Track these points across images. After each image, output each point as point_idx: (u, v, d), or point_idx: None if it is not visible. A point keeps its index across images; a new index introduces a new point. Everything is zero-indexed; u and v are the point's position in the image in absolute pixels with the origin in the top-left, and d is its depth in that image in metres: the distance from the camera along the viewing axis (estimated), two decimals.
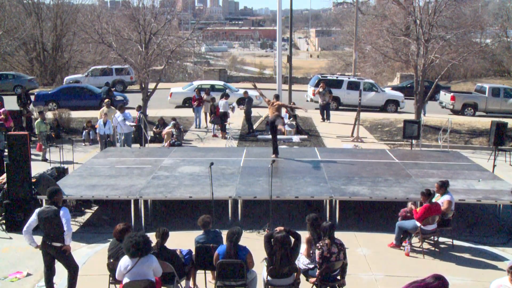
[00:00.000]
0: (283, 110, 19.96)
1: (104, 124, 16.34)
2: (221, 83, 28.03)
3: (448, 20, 20.11)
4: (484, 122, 21.10)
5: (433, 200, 9.38)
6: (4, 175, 10.92)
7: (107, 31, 20.29)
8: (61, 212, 7.21)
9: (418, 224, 9.16)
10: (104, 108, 17.59)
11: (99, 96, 24.82)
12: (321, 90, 22.08)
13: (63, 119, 20.00)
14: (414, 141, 16.51)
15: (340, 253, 7.18)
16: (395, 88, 31.01)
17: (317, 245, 7.19)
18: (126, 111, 17.02)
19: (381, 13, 33.10)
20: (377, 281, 8.28)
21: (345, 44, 48.61)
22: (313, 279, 7.26)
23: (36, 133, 16.64)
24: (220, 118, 19.28)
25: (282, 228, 7.11)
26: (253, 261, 7.08)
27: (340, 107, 25.83)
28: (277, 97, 14.34)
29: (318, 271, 7.22)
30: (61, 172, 12.51)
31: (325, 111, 22.42)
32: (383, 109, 25.96)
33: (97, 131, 16.83)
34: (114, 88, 28.20)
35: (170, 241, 7.40)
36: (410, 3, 20.34)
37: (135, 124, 17.03)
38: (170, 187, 11.00)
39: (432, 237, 9.59)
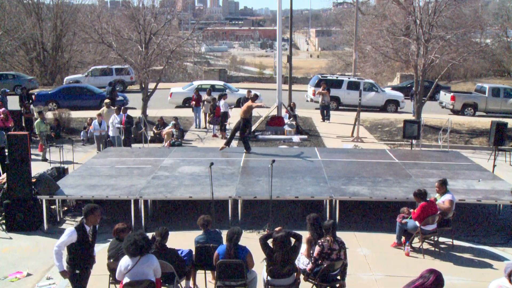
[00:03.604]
0: (283, 110, 20.04)
1: (100, 124, 16.31)
2: (221, 83, 28.04)
3: (448, 20, 20.10)
4: (484, 122, 21.09)
5: (433, 199, 9.39)
6: (4, 175, 10.93)
7: (107, 31, 20.28)
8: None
9: (418, 224, 9.17)
10: (104, 108, 17.58)
11: (99, 96, 24.81)
12: (322, 90, 22.10)
13: (63, 119, 19.98)
14: (414, 141, 16.50)
15: (341, 251, 7.19)
16: (395, 88, 31.01)
17: (318, 241, 7.20)
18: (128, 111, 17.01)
19: (381, 13, 33.09)
20: (377, 281, 8.28)
21: (345, 44, 48.56)
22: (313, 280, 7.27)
23: (36, 133, 16.62)
24: (220, 118, 19.26)
25: (281, 228, 7.11)
26: (253, 261, 7.08)
27: (340, 107, 25.84)
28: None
29: (311, 265, 7.23)
30: (61, 172, 12.52)
31: (325, 111, 22.44)
32: (383, 109, 25.97)
33: (93, 132, 16.77)
34: (118, 88, 28.17)
35: (170, 241, 7.39)
36: (410, 3, 20.33)
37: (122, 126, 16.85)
38: (170, 187, 11.00)
39: (432, 237, 9.60)
